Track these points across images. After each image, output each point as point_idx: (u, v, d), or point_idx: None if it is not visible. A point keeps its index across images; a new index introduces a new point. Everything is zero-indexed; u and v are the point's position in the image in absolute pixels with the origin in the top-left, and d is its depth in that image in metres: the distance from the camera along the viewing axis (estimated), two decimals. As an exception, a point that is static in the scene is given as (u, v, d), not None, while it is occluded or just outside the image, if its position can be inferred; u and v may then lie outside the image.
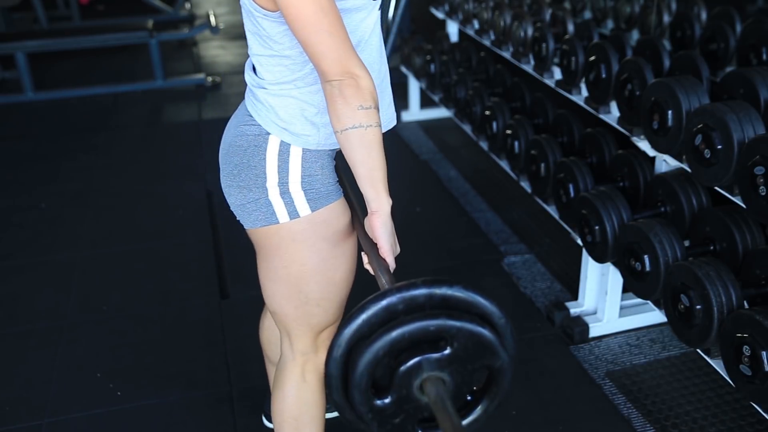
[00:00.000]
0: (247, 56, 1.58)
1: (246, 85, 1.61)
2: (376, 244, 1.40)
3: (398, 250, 1.46)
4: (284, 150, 1.49)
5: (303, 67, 1.45)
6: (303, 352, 1.67)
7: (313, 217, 1.51)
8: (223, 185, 1.60)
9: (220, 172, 1.61)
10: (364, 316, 1.05)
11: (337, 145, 1.52)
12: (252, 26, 1.46)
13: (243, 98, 1.64)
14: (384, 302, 1.05)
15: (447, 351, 1.05)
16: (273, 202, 1.51)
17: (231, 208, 1.60)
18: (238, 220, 1.59)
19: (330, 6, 1.30)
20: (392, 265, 1.39)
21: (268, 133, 1.50)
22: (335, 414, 2.15)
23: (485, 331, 1.06)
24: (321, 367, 1.70)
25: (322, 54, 1.30)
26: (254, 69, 1.55)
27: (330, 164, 1.55)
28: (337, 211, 1.55)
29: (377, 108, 1.35)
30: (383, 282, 1.31)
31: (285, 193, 1.50)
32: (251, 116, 1.54)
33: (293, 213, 1.51)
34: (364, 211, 1.46)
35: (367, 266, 1.41)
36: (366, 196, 1.38)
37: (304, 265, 1.55)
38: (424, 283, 1.06)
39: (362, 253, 1.43)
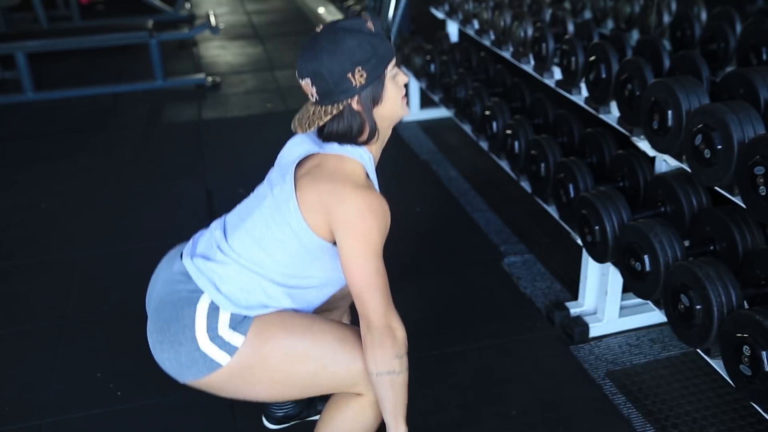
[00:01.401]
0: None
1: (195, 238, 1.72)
2: None
3: None
4: (214, 307, 1.58)
5: (277, 270, 1.59)
6: (367, 387, 1.65)
7: (250, 337, 1.57)
8: (150, 341, 1.66)
9: (148, 326, 1.67)
10: None
11: None
12: (271, 219, 1.58)
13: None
14: None
15: None
16: (207, 351, 1.56)
17: (162, 366, 1.65)
18: (175, 378, 1.64)
19: (383, 269, 1.54)
20: None
21: (202, 292, 1.59)
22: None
23: None
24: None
25: (372, 309, 1.52)
26: (225, 232, 1.66)
27: None
28: (257, 317, 1.60)
29: (406, 356, 1.57)
30: None
31: (215, 337, 1.56)
32: (188, 276, 1.62)
33: (231, 350, 1.56)
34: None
35: None
36: (387, 422, 1.61)
37: (278, 369, 1.60)
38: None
39: None
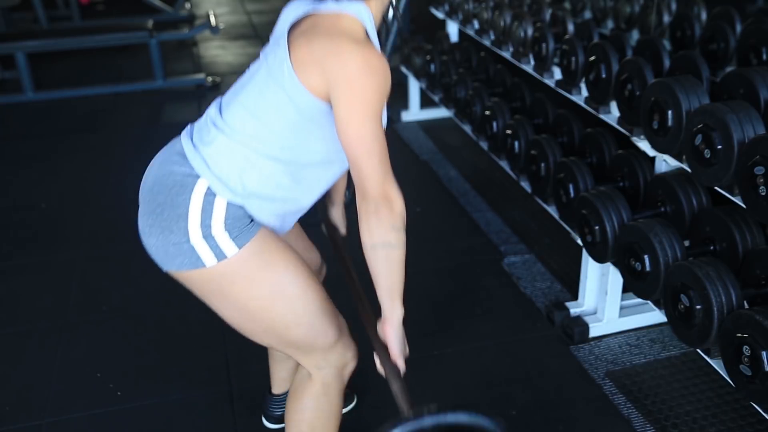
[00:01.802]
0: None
1: (192, 124, 1.62)
2: (386, 347, 1.50)
3: (407, 352, 1.53)
4: (210, 194, 1.49)
5: (275, 146, 1.49)
6: (318, 367, 1.65)
7: (242, 253, 1.50)
8: (140, 225, 1.59)
9: (140, 210, 1.60)
10: None
11: (254, 217, 1.54)
12: (265, 86, 1.47)
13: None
14: None
15: None
16: (196, 247, 1.49)
17: (148, 250, 1.57)
18: (158, 265, 1.56)
19: (381, 132, 1.41)
20: (402, 368, 1.49)
21: (198, 176, 1.50)
22: (347, 408, 2.17)
23: None
24: (344, 379, 1.70)
25: (368, 175, 1.40)
26: (221, 110, 1.56)
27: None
28: (263, 237, 1.54)
29: (404, 230, 1.45)
30: (394, 389, 1.43)
31: (208, 236, 1.48)
32: (183, 156, 1.54)
33: (220, 255, 1.49)
34: (373, 307, 1.55)
35: (380, 368, 1.51)
36: (382, 304, 1.49)
37: (258, 299, 1.54)
38: (431, 412, 1.18)
39: (374, 353, 1.52)
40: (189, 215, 1.48)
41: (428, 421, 1.18)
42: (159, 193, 1.54)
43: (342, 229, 1.99)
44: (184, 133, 1.61)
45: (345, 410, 2.19)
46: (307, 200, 1.61)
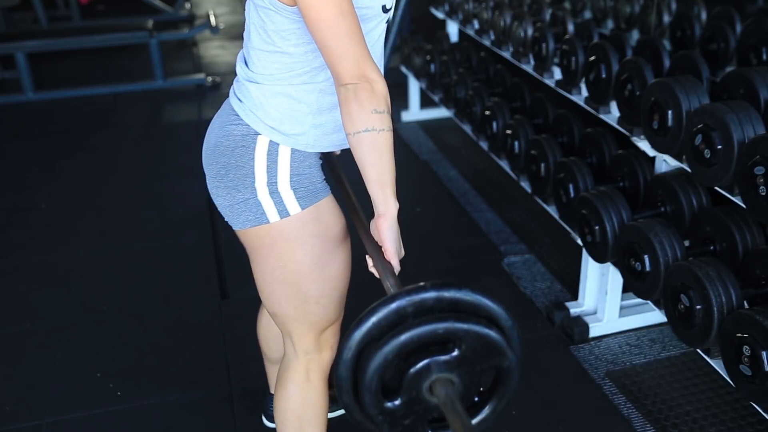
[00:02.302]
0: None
1: (233, 81, 1.60)
2: (381, 247, 1.40)
3: (403, 253, 1.46)
4: (273, 150, 1.49)
5: (302, 66, 1.45)
6: (306, 351, 1.66)
7: (303, 215, 1.51)
8: (209, 187, 1.60)
9: (206, 173, 1.59)
10: (374, 319, 1.05)
11: (325, 149, 1.53)
12: (258, 19, 1.45)
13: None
14: (394, 305, 1.05)
15: (455, 353, 1.06)
16: (262, 202, 1.50)
17: (219, 210, 1.59)
18: (227, 222, 1.58)
19: (350, 10, 1.30)
20: (397, 267, 1.39)
21: (257, 133, 1.49)
22: (338, 413, 2.16)
23: (493, 333, 1.07)
24: (325, 366, 1.70)
25: (340, 56, 1.31)
26: (246, 63, 1.54)
27: (317, 163, 1.55)
28: (326, 207, 1.55)
29: (390, 113, 1.36)
30: (389, 285, 1.31)
31: (274, 192, 1.49)
32: (237, 115, 1.52)
33: (283, 212, 1.50)
34: (368, 214, 1.47)
35: (372, 269, 1.41)
36: (374, 199, 1.39)
37: (299, 263, 1.55)
38: (433, 286, 1.07)
39: (366, 255, 1.42)
40: (255, 174, 1.49)
41: (429, 294, 1.06)
42: (222, 154, 1.53)
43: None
44: (231, 91, 1.59)
45: (343, 411, 2.19)
46: None
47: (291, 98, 1.47)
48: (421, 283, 1.08)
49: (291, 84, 1.47)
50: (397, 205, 1.40)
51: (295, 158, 1.50)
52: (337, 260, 1.59)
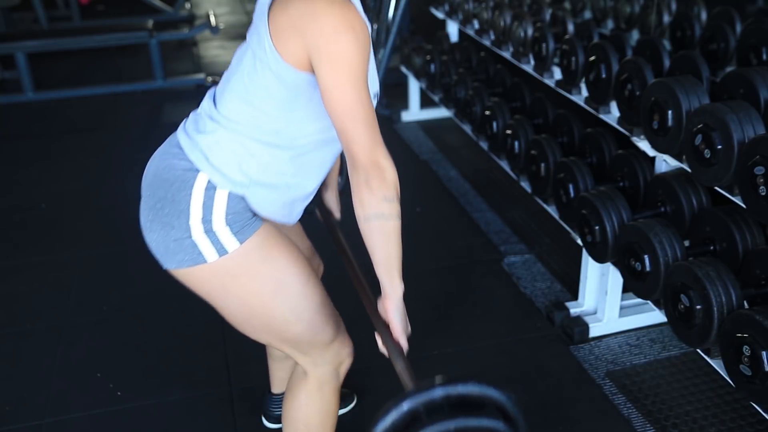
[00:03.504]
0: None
1: (188, 115, 1.60)
2: (388, 326, 1.45)
3: (410, 330, 1.49)
4: (211, 187, 1.48)
5: (270, 130, 1.47)
6: (315, 364, 1.65)
7: (243, 248, 1.49)
8: (142, 220, 1.58)
9: (141, 204, 1.58)
10: (389, 420, 1.13)
11: (260, 212, 1.53)
12: (251, 68, 1.44)
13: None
14: (405, 407, 1.13)
15: None
16: (198, 242, 1.47)
17: (149, 246, 1.56)
18: (159, 262, 1.55)
19: (368, 97, 1.36)
20: (405, 346, 1.44)
21: (198, 170, 1.48)
22: (346, 409, 2.17)
23: (500, 425, 1.14)
24: (338, 378, 1.69)
25: (356, 142, 1.35)
26: (215, 100, 1.54)
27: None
28: (265, 232, 1.53)
29: (398, 199, 1.41)
30: (399, 368, 1.38)
31: (209, 231, 1.47)
32: (182, 150, 1.52)
33: (221, 250, 1.48)
34: (374, 290, 1.51)
35: (381, 348, 1.45)
36: (381, 280, 1.44)
37: (259, 294, 1.53)
38: (441, 384, 1.15)
39: (375, 332, 1.47)
40: (190, 211, 1.47)
41: (438, 392, 1.14)
42: (159, 187, 1.53)
43: (336, 213, 1.96)
44: (181, 126, 1.60)
45: (345, 410, 2.20)
46: (310, 184, 1.59)
47: (246, 149, 1.48)
48: (430, 381, 1.15)
49: (251, 138, 1.48)
50: (403, 286, 1.45)
51: (232, 198, 1.49)
52: (296, 275, 1.56)
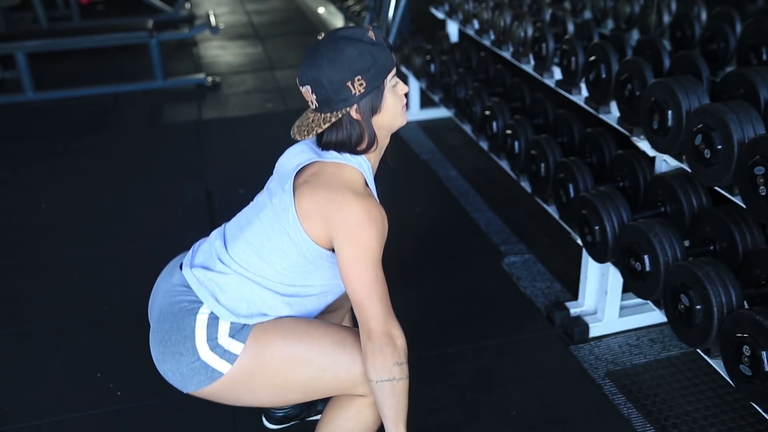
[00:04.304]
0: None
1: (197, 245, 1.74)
2: None
3: None
4: (214, 317, 1.59)
5: (277, 283, 1.60)
6: (367, 392, 1.65)
7: (250, 344, 1.58)
8: (153, 353, 1.66)
9: (150, 338, 1.67)
10: None
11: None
12: (271, 228, 1.58)
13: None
14: None
15: None
16: (207, 360, 1.57)
17: (165, 377, 1.65)
18: (180, 389, 1.64)
19: (382, 276, 1.54)
20: None
21: (202, 303, 1.61)
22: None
23: None
24: None
25: (371, 315, 1.52)
26: (225, 242, 1.66)
27: None
28: (265, 319, 1.62)
29: (407, 362, 1.57)
30: None
31: (216, 347, 1.57)
32: (189, 288, 1.63)
33: (231, 358, 1.57)
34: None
35: None
36: (388, 430, 1.60)
37: (279, 374, 1.60)
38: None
39: None
40: (195, 334, 1.58)
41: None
42: (165, 321, 1.63)
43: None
44: (185, 263, 1.70)
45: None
46: (305, 316, 1.72)
47: (255, 294, 1.61)
48: None
49: (260, 285, 1.61)
50: None
51: (234, 325, 1.60)
52: (295, 339, 1.61)
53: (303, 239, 1.55)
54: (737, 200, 1.88)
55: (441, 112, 4.50)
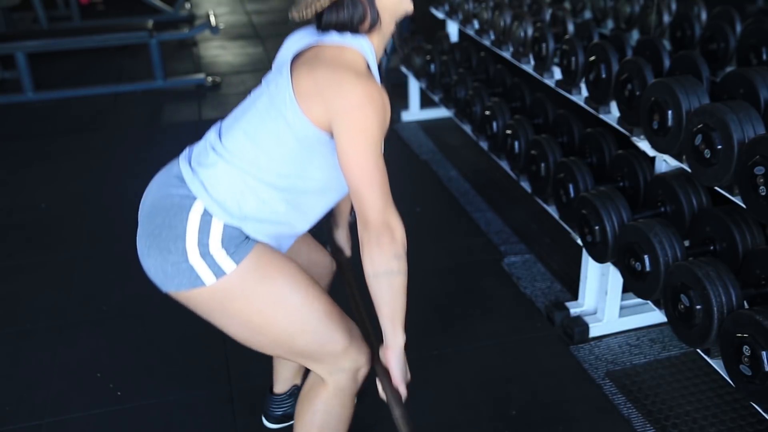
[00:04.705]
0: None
1: (193, 144, 1.65)
2: (388, 373, 1.55)
3: (409, 377, 1.58)
4: (207, 215, 1.51)
5: (271, 172, 1.51)
6: (331, 372, 1.65)
7: (240, 269, 1.51)
8: (139, 246, 1.62)
9: (138, 231, 1.63)
10: None
11: (257, 237, 1.56)
12: (265, 112, 1.49)
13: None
14: None
15: None
16: (195, 266, 1.50)
17: (147, 272, 1.59)
18: (158, 286, 1.58)
19: (382, 163, 1.44)
20: (404, 394, 1.55)
21: (195, 197, 1.52)
22: None
23: None
24: (355, 385, 1.69)
25: (369, 204, 1.43)
26: (220, 134, 1.58)
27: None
28: (259, 251, 1.55)
29: (405, 257, 1.48)
30: (396, 415, 1.51)
31: (206, 254, 1.50)
32: (182, 179, 1.56)
33: (219, 272, 1.51)
34: (377, 337, 1.59)
35: (381, 393, 1.56)
36: (384, 331, 1.53)
37: (261, 313, 1.55)
38: None
39: (377, 378, 1.57)
40: (186, 235, 1.51)
41: None
42: (156, 215, 1.57)
43: (347, 251, 2.02)
44: (182, 156, 1.63)
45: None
46: (302, 226, 1.63)
47: (246, 185, 1.52)
48: None
49: (252, 176, 1.52)
50: (404, 338, 1.54)
51: (227, 227, 1.52)
52: (296, 289, 1.57)
53: (300, 120, 1.45)
54: (737, 200, 1.88)
55: (441, 112, 4.50)
